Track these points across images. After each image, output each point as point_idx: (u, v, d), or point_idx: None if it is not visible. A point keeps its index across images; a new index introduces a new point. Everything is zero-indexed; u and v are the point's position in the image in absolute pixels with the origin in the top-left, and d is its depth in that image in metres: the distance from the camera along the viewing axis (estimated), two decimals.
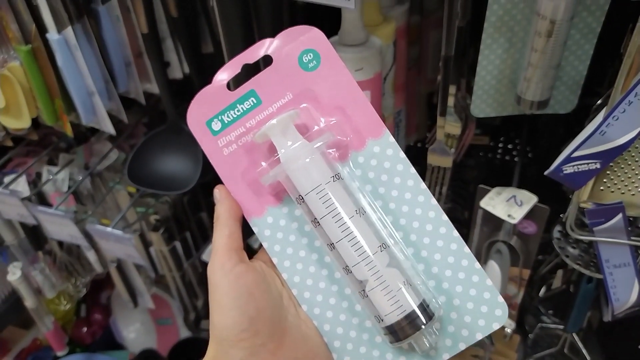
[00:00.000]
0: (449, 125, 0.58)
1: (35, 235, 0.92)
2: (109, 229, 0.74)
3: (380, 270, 0.33)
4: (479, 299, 0.34)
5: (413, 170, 0.36)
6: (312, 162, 0.34)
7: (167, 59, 0.69)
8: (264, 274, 0.35)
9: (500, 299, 0.34)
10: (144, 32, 0.63)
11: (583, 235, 0.51)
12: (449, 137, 0.59)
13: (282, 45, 0.36)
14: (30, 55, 0.62)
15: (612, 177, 0.47)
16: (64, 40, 0.59)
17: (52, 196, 0.86)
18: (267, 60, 0.37)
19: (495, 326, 0.34)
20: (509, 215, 0.54)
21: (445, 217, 0.35)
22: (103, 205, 0.87)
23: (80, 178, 0.84)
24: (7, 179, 0.82)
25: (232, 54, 0.54)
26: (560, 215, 0.60)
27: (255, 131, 0.36)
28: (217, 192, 0.36)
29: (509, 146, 0.88)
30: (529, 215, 0.56)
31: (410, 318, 0.33)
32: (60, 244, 0.94)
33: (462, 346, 0.34)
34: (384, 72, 0.56)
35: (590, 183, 0.47)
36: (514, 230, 0.60)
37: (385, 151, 0.36)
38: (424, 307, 0.33)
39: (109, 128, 0.66)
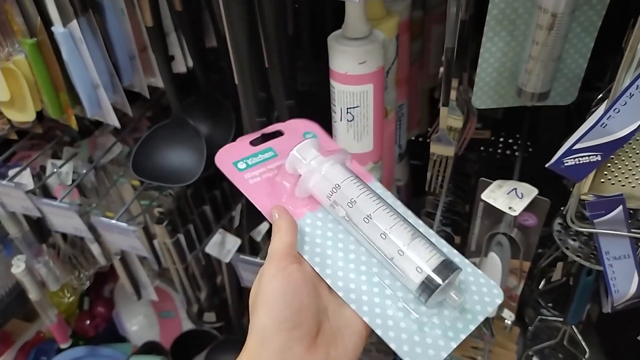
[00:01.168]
0: (450, 119, 0.58)
1: (39, 228, 0.92)
2: (113, 222, 0.74)
3: (413, 229, 0.38)
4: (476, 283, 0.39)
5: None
6: (338, 166, 0.42)
7: (172, 53, 0.70)
8: (312, 275, 0.39)
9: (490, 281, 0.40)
10: (148, 26, 0.63)
11: (583, 228, 0.51)
12: (451, 130, 0.60)
13: (291, 127, 0.47)
14: (35, 48, 0.63)
15: (612, 170, 0.47)
16: (69, 34, 0.59)
17: (56, 189, 0.86)
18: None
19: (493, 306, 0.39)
20: (510, 208, 0.55)
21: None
22: (107, 198, 0.88)
23: (85, 171, 0.85)
24: (11, 172, 0.83)
25: (236, 49, 0.55)
26: (561, 208, 0.60)
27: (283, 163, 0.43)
28: (275, 211, 0.40)
29: (510, 140, 0.89)
30: (530, 208, 0.56)
31: (446, 262, 0.37)
32: (64, 236, 0.95)
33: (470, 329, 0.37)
34: (386, 66, 0.57)
35: (591, 175, 0.47)
36: (514, 223, 0.60)
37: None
38: (451, 260, 0.38)
39: (113, 121, 0.66)
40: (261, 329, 0.35)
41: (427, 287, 0.36)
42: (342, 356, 0.37)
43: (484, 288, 0.39)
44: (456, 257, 0.40)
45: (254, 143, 0.46)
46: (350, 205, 0.40)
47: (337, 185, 0.40)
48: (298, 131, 0.47)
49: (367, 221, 0.39)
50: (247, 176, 0.44)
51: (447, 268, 0.36)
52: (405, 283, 0.38)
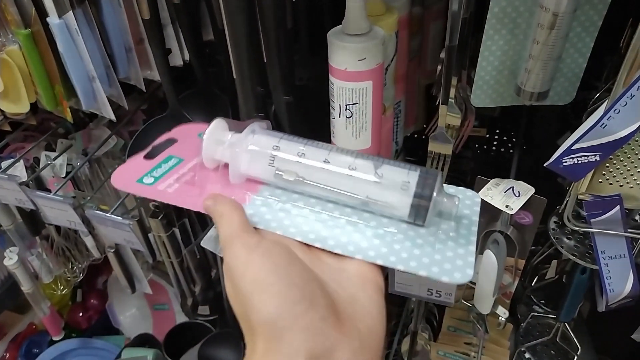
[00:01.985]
0: (449, 117, 0.58)
1: (32, 220, 0.92)
2: (108, 215, 0.74)
3: (376, 157, 0.36)
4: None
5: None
6: (263, 131, 0.38)
7: (168, 45, 0.69)
8: (290, 248, 0.32)
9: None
10: (145, 18, 0.62)
11: (580, 227, 0.52)
12: (449, 127, 0.59)
13: (182, 133, 0.44)
14: (29, 39, 0.62)
15: (611, 170, 0.48)
16: (64, 25, 0.59)
17: (50, 182, 0.85)
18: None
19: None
20: (506, 206, 0.55)
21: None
22: (101, 191, 0.87)
23: (79, 164, 0.84)
24: (4, 164, 0.82)
25: (235, 43, 0.54)
26: (557, 207, 0.60)
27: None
28: (208, 200, 0.35)
29: (505, 138, 0.89)
30: (526, 206, 0.56)
31: (424, 173, 0.35)
32: (58, 229, 0.94)
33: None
34: (386, 63, 0.57)
35: (589, 175, 0.47)
36: (510, 221, 0.60)
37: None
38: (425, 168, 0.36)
39: (109, 114, 0.66)
40: (270, 324, 0.27)
41: (420, 207, 0.34)
42: (370, 324, 0.30)
43: (459, 195, 0.38)
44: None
45: (148, 157, 0.42)
46: (299, 161, 0.36)
47: (275, 148, 0.37)
48: (191, 134, 0.43)
49: (325, 167, 0.36)
50: (160, 187, 0.39)
51: (428, 177, 0.35)
52: (393, 214, 0.36)
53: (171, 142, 0.43)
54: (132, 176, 0.40)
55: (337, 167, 0.36)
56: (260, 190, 0.39)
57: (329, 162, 0.36)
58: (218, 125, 0.39)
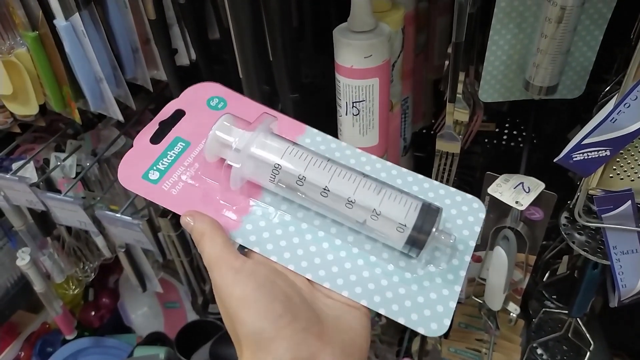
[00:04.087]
0: (457, 112, 0.58)
1: (43, 221, 0.92)
2: (117, 215, 0.74)
3: (379, 185, 0.35)
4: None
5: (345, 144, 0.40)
6: (269, 138, 0.36)
7: (175, 45, 0.69)
8: (274, 267, 0.34)
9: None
10: (151, 19, 0.62)
11: (591, 222, 0.51)
12: (457, 123, 0.59)
13: (189, 100, 0.41)
14: (37, 41, 0.62)
15: (621, 165, 0.47)
16: (71, 27, 0.59)
17: (59, 182, 0.86)
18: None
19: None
20: (516, 202, 0.54)
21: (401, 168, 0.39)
22: (111, 191, 0.88)
23: (88, 164, 0.84)
24: (15, 166, 0.83)
25: (241, 42, 0.54)
26: (568, 202, 0.60)
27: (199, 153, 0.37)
28: (188, 216, 0.35)
29: (515, 132, 0.88)
30: (536, 202, 0.56)
31: (425, 209, 0.34)
32: (69, 229, 0.95)
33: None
34: (392, 59, 0.56)
35: (600, 170, 0.47)
36: (521, 217, 0.60)
37: (315, 139, 0.41)
38: (429, 203, 0.35)
39: (117, 114, 0.66)
40: (255, 335, 0.29)
41: (416, 241, 0.34)
42: (353, 337, 0.32)
43: (463, 207, 0.37)
44: (429, 191, 0.38)
45: (155, 140, 0.39)
46: (301, 183, 0.35)
47: (276, 166, 0.35)
48: (200, 101, 0.40)
49: (325, 195, 0.35)
50: (165, 186, 0.37)
51: (429, 214, 0.34)
52: (388, 243, 0.35)
53: (179, 114, 0.40)
54: (138, 169, 0.38)
55: (334, 203, 0.35)
56: (262, 196, 0.38)
57: (328, 191, 0.35)
58: (221, 127, 0.36)
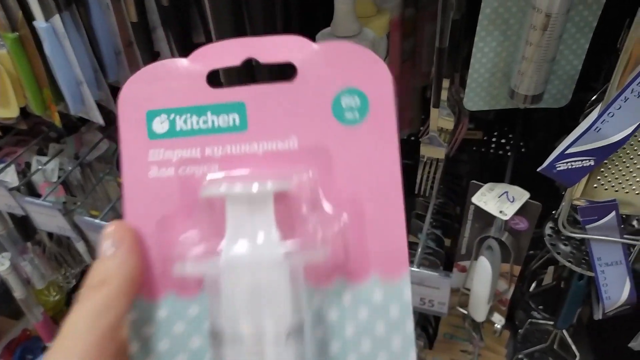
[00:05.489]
0: (442, 120, 0.57)
1: (24, 226, 0.91)
2: (97, 221, 0.73)
3: None
4: None
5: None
6: (270, 284, 0.22)
7: (158, 48, 0.68)
8: None
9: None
10: (133, 21, 0.61)
11: (575, 233, 0.50)
12: (442, 131, 0.58)
13: (319, 64, 0.24)
14: (17, 43, 0.61)
15: (606, 175, 0.46)
16: (51, 29, 0.58)
17: (41, 186, 0.85)
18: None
19: None
20: (500, 212, 0.54)
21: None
22: (93, 195, 0.86)
23: (70, 168, 0.83)
24: None
25: None
26: (553, 212, 0.59)
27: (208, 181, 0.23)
28: (111, 228, 0.23)
29: (502, 141, 0.88)
30: (521, 212, 0.55)
31: None
32: (50, 234, 0.93)
33: None
34: None
35: (584, 180, 0.46)
36: (505, 227, 0.59)
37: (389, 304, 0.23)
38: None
39: (97, 118, 0.65)
40: None
41: None
42: None
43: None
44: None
45: (214, 81, 0.25)
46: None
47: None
48: (327, 89, 0.24)
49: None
50: (153, 156, 0.23)
51: None
52: None
53: (289, 71, 0.26)
54: (155, 95, 0.24)
55: None
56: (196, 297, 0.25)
57: None
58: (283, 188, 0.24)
